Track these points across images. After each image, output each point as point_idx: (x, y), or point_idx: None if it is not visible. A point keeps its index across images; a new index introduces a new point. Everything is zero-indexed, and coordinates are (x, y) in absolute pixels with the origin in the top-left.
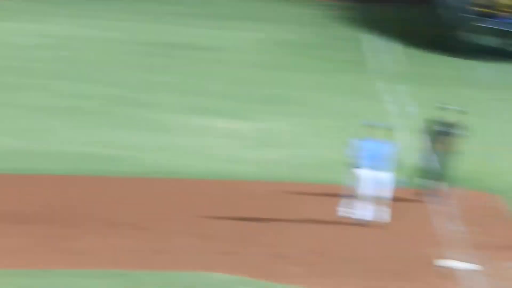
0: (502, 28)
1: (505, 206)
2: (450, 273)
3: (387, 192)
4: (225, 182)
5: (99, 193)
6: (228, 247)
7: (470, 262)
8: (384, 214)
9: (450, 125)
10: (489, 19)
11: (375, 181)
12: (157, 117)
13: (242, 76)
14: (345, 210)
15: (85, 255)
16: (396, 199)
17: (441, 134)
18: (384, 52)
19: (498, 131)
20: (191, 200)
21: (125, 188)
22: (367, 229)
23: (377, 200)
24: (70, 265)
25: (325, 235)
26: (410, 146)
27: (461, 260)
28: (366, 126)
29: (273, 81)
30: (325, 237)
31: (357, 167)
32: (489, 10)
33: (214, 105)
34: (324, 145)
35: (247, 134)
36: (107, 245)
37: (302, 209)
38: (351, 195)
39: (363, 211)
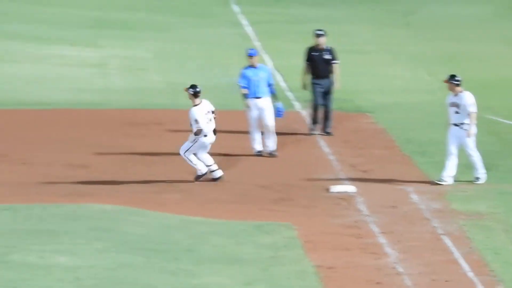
0: None
1: (377, 124)
2: (341, 197)
3: (273, 120)
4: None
5: None
6: (103, 178)
7: (357, 184)
8: (273, 143)
9: (325, 50)
10: None
11: (262, 109)
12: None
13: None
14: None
15: None
16: (280, 126)
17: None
18: None
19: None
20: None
21: None
22: (258, 159)
23: (266, 129)
24: None
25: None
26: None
27: (350, 184)
28: (246, 55)
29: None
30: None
31: (247, 97)
32: None
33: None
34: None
35: (99, 61)
36: None
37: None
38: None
39: (255, 142)
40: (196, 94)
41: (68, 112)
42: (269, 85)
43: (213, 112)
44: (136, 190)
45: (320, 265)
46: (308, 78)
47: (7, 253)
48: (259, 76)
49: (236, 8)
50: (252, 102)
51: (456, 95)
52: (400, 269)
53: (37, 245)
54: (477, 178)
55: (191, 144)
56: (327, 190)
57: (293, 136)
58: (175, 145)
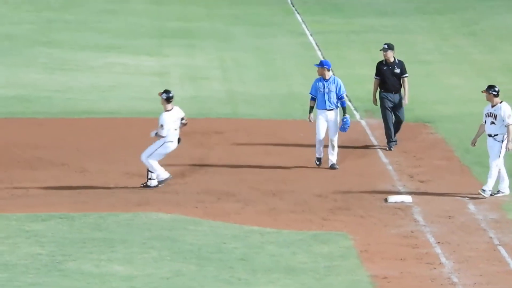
0: None
1: (437, 134)
2: (397, 207)
3: (336, 133)
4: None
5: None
6: (161, 187)
7: (415, 195)
8: (334, 157)
9: (395, 64)
10: None
11: (329, 121)
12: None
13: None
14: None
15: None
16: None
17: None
18: None
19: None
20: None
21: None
22: (315, 169)
23: (330, 142)
24: None
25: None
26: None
27: (408, 194)
28: (316, 66)
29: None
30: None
31: (317, 108)
32: None
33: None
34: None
35: (159, 70)
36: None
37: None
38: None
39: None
40: (168, 100)
41: (127, 121)
42: (340, 98)
43: (182, 119)
44: (194, 199)
45: (375, 275)
46: (378, 92)
47: (63, 261)
48: (329, 88)
49: (299, 18)
50: (320, 113)
51: (493, 105)
52: (455, 279)
53: (93, 253)
54: (483, 190)
55: (154, 150)
56: (384, 200)
57: (352, 146)
58: (234, 154)
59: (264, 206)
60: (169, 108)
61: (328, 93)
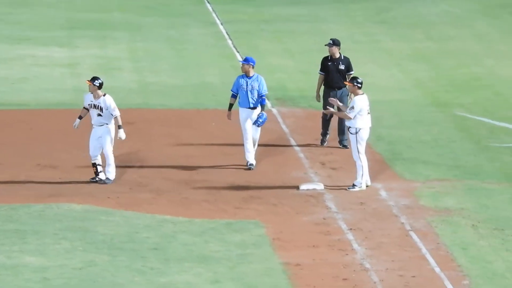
0: None
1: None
2: (310, 194)
3: (258, 131)
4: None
5: None
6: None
7: (327, 182)
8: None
9: (340, 60)
10: None
11: (251, 120)
12: None
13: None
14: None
15: None
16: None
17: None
18: None
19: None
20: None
21: None
22: (227, 158)
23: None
24: None
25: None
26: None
27: (320, 181)
28: (241, 63)
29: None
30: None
31: (239, 106)
32: None
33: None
34: (145, 70)
35: (70, 61)
36: None
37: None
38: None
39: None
40: (100, 86)
41: (38, 113)
42: (261, 96)
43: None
44: (106, 190)
45: (288, 262)
46: (322, 88)
47: None
48: (252, 86)
49: (209, 7)
50: (243, 111)
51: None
52: (367, 265)
53: (5, 245)
54: (353, 185)
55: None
56: (297, 188)
57: (264, 135)
58: (147, 144)
59: (176, 196)
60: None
61: (251, 91)
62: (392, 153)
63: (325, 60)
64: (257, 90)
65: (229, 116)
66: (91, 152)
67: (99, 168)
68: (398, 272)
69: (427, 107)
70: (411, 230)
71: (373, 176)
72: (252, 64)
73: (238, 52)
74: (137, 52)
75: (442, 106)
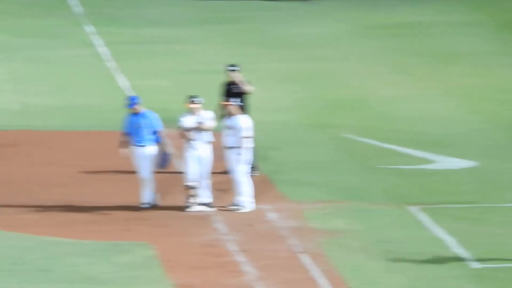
0: None
1: None
2: (197, 216)
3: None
4: None
5: None
6: None
7: (215, 204)
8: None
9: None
10: None
11: (143, 159)
12: None
13: None
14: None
15: None
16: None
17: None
18: None
19: None
20: None
21: None
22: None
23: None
24: None
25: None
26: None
27: (205, 204)
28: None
29: None
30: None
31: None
32: None
33: None
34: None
35: None
36: None
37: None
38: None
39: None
40: None
41: None
42: (155, 132)
43: None
44: None
45: (179, 284)
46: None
47: None
48: (142, 123)
49: (88, 29)
50: (136, 149)
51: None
52: (258, 287)
53: None
54: (236, 205)
55: None
56: (184, 209)
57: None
58: (30, 166)
59: (63, 217)
60: None
61: (142, 128)
62: (278, 174)
63: (227, 85)
64: (150, 127)
65: (123, 154)
66: None
67: None
68: None
69: (310, 128)
70: (301, 252)
71: (260, 197)
72: (138, 102)
73: (119, 73)
74: (16, 74)
75: (325, 127)
